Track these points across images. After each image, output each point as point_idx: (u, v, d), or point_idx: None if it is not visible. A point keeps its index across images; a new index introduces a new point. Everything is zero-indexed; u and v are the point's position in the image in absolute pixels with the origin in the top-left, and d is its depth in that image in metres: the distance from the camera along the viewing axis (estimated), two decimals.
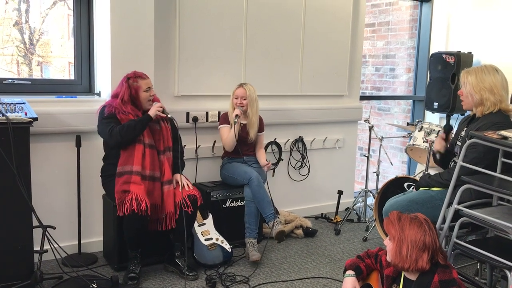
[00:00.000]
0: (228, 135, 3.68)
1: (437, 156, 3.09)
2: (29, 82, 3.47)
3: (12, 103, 2.82)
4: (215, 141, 3.95)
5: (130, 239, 3.08)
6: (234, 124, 3.61)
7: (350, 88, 4.80)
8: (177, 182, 3.20)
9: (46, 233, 2.80)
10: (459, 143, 2.95)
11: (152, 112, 3.09)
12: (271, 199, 3.59)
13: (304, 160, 4.60)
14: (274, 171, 4.34)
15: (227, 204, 3.73)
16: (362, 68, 5.30)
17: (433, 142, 3.70)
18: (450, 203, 2.64)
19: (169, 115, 3.16)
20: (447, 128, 3.08)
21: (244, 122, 3.76)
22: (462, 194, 2.57)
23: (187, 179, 3.32)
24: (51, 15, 3.74)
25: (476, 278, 3.03)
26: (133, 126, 3.01)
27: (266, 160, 3.81)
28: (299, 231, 4.09)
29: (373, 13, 6.24)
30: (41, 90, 3.48)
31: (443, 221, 2.68)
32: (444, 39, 5.37)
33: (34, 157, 2.95)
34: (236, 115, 3.60)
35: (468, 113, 3.08)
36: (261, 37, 4.17)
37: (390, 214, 2.18)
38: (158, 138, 3.18)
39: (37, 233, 2.83)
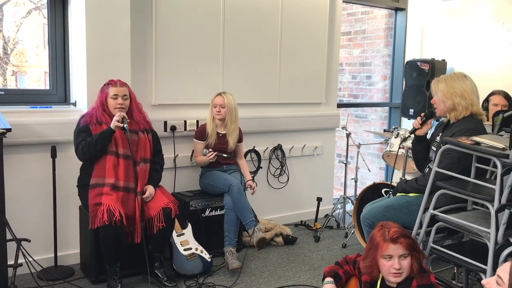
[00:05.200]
0: (200, 156, 3.70)
1: (413, 138, 3.12)
2: (3, 92, 3.41)
3: None
4: (193, 150, 3.94)
5: (107, 252, 3.01)
6: (205, 155, 3.61)
7: (328, 95, 4.85)
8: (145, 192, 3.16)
9: (21, 246, 2.74)
10: (434, 148, 3.00)
11: (112, 124, 3.01)
12: (251, 208, 3.59)
13: (283, 168, 4.61)
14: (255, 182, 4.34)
15: (207, 213, 3.71)
16: (339, 76, 5.36)
17: (409, 148, 3.75)
18: (426, 208, 2.68)
19: (124, 125, 3.00)
20: (429, 114, 3.06)
21: (223, 132, 3.75)
22: (437, 199, 2.61)
23: (163, 190, 3.30)
24: (26, 24, 3.69)
25: (453, 282, 3.07)
26: (94, 143, 2.98)
27: (252, 181, 3.82)
28: (279, 239, 4.09)
29: (349, 22, 6.33)
30: (15, 100, 3.42)
31: (420, 226, 2.71)
32: (419, 47, 5.47)
33: (8, 168, 2.89)
34: (206, 151, 3.60)
35: (443, 118, 3.13)
36: (238, 45, 4.18)
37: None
38: (135, 149, 3.15)
39: (11, 247, 2.76)
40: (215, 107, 3.70)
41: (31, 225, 3.32)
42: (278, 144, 4.55)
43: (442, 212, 2.62)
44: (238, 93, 3.97)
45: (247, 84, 4.28)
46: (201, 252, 3.41)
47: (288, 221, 4.63)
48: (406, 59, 5.40)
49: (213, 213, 3.73)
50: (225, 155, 3.64)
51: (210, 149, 3.63)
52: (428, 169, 3.04)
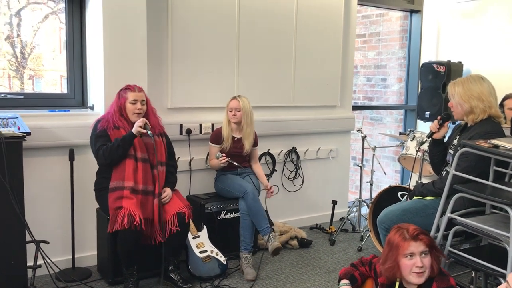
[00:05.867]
0: (214, 159, 3.69)
1: (430, 142, 3.09)
2: (22, 97, 3.47)
3: (4, 118, 2.82)
4: (208, 153, 3.95)
5: (125, 256, 3.04)
6: (217, 158, 3.61)
7: (343, 98, 4.84)
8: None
9: (40, 248, 2.78)
10: (451, 151, 2.97)
11: (134, 129, 3.04)
12: (266, 210, 3.59)
13: (298, 171, 4.61)
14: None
15: (222, 216, 3.72)
16: (354, 78, 5.34)
17: (426, 151, 3.72)
18: (443, 212, 2.66)
19: (148, 132, 3.04)
20: (446, 117, 3.04)
21: (239, 136, 3.76)
22: (455, 202, 2.58)
23: (178, 194, 3.32)
24: (42, 29, 3.75)
25: (471, 286, 3.04)
26: (116, 148, 3.01)
27: (269, 183, 3.82)
28: (294, 242, 4.08)
29: (364, 24, 6.30)
30: (33, 104, 3.47)
31: (437, 230, 2.69)
32: (434, 49, 5.43)
33: (27, 171, 2.93)
34: (219, 154, 3.61)
35: (459, 121, 3.11)
36: (253, 48, 4.19)
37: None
38: (152, 152, 3.17)
39: (31, 248, 2.80)
40: (230, 111, 3.71)
41: (49, 227, 3.36)
42: (293, 147, 4.55)
43: (460, 215, 2.59)
44: (253, 96, 3.98)
45: (262, 87, 4.29)
46: (217, 254, 3.42)
47: (303, 224, 4.62)
48: (422, 61, 5.36)
49: (228, 215, 3.74)
50: (236, 164, 3.63)
51: (223, 154, 3.64)
52: (445, 172, 3.01)
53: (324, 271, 3.62)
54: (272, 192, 3.75)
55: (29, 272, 2.80)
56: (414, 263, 2.08)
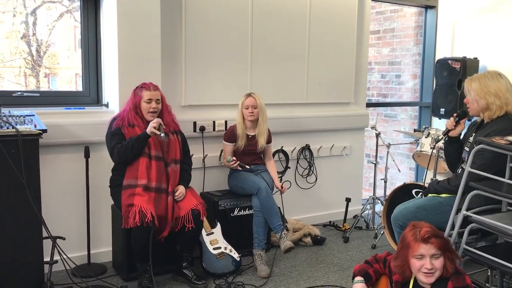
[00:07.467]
0: (225, 161, 3.70)
1: (445, 139, 3.06)
2: (38, 94, 3.51)
3: (21, 116, 2.86)
4: (222, 150, 3.96)
5: (138, 252, 3.07)
6: (228, 162, 3.63)
7: (356, 95, 4.81)
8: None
9: (56, 244, 2.81)
10: (467, 148, 2.94)
11: (148, 129, 3.05)
12: (279, 207, 3.59)
13: (311, 168, 4.60)
14: (281, 181, 4.34)
15: (235, 213, 3.73)
16: (368, 75, 5.31)
17: (441, 148, 3.69)
18: (458, 209, 2.63)
19: (162, 134, 3.02)
20: (462, 114, 3.00)
21: (253, 134, 3.76)
22: (470, 200, 2.56)
23: (193, 191, 3.34)
24: (57, 27, 3.79)
25: (487, 284, 3.00)
26: (130, 147, 3.03)
27: (281, 183, 3.81)
28: (308, 239, 4.08)
29: (378, 20, 6.26)
30: (49, 102, 3.52)
31: (452, 228, 2.66)
32: (450, 45, 5.37)
33: (43, 168, 2.97)
34: (230, 158, 3.62)
35: (475, 118, 3.07)
36: (266, 45, 4.19)
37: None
38: (166, 150, 3.19)
39: (47, 244, 2.84)
40: (246, 108, 3.69)
41: (65, 223, 3.41)
42: (306, 144, 4.54)
43: (476, 213, 2.56)
44: (266, 93, 3.98)
45: (275, 84, 4.29)
46: (230, 251, 3.44)
47: (316, 221, 4.61)
48: (437, 58, 5.30)
49: (241, 212, 3.75)
50: (247, 166, 3.64)
51: (234, 157, 3.64)
52: (460, 169, 2.98)
53: (337, 268, 3.61)
54: (284, 189, 3.75)
55: (46, 267, 2.83)
56: (423, 264, 2.07)
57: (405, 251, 2.12)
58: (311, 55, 4.44)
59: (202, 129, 3.92)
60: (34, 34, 3.68)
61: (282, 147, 4.38)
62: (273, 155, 4.23)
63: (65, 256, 2.81)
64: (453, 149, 3.04)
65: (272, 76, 4.26)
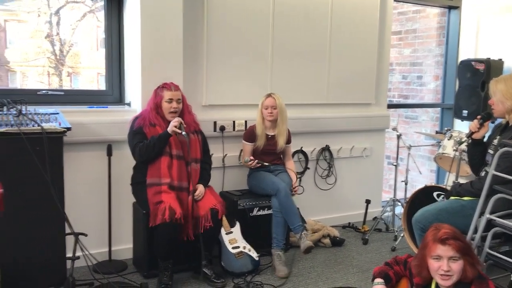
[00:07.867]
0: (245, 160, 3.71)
1: (469, 141, 3.01)
2: (62, 93, 3.57)
3: (46, 114, 2.91)
4: (241, 150, 3.98)
5: (162, 249, 3.10)
6: (246, 163, 3.65)
7: (378, 96, 4.78)
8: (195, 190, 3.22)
9: (78, 240, 2.86)
10: (491, 151, 2.89)
11: (169, 128, 3.08)
12: (298, 208, 3.58)
13: (331, 169, 4.58)
14: (300, 182, 4.33)
15: (254, 212, 3.74)
16: (389, 76, 5.26)
17: (463, 151, 3.63)
18: (482, 213, 2.59)
19: (183, 133, 3.08)
20: (486, 116, 2.95)
21: (272, 134, 3.76)
22: (494, 203, 2.52)
23: (212, 191, 3.35)
24: (80, 27, 3.85)
25: None
26: (152, 146, 3.07)
27: (294, 187, 3.78)
28: (327, 240, 4.06)
29: (400, 21, 6.20)
30: (73, 101, 3.58)
31: (475, 231, 2.63)
32: (473, 46, 5.28)
33: (67, 166, 3.01)
34: (247, 159, 3.63)
35: (499, 120, 3.02)
36: (287, 46, 4.19)
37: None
38: (188, 150, 3.21)
39: (70, 240, 2.89)
40: (266, 108, 3.70)
41: (87, 220, 3.45)
42: (326, 145, 4.52)
43: (499, 217, 2.52)
44: (286, 94, 3.98)
45: (296, 85, 4.28)
46: (249, 250, 3.44)
47: (335, 222, 4.59)
48: (460, 59, 5.23)
49: (260, 212, 3.76)
50: (266, 164, 3.64)
51: (251, 157, 3.65)
52: (484, 172, 2.94)
53: (357, 270, 3.59)
54: (295, 191, 3.73)
55: (68, 263, 2.88)
56: (440, 266, 2.04)
57: (423, 250, 2.11)
58: (332, 55, 4.42)
59: (222, 128, 3.93)
60: (57, 34, 3.75)
61: (302, 147, 4.37)
62: (293, 155, 4.23)
63: (87, 253, 2.85)
64: (476, 151, 2.99)
65: (293, 76, 4.26)
